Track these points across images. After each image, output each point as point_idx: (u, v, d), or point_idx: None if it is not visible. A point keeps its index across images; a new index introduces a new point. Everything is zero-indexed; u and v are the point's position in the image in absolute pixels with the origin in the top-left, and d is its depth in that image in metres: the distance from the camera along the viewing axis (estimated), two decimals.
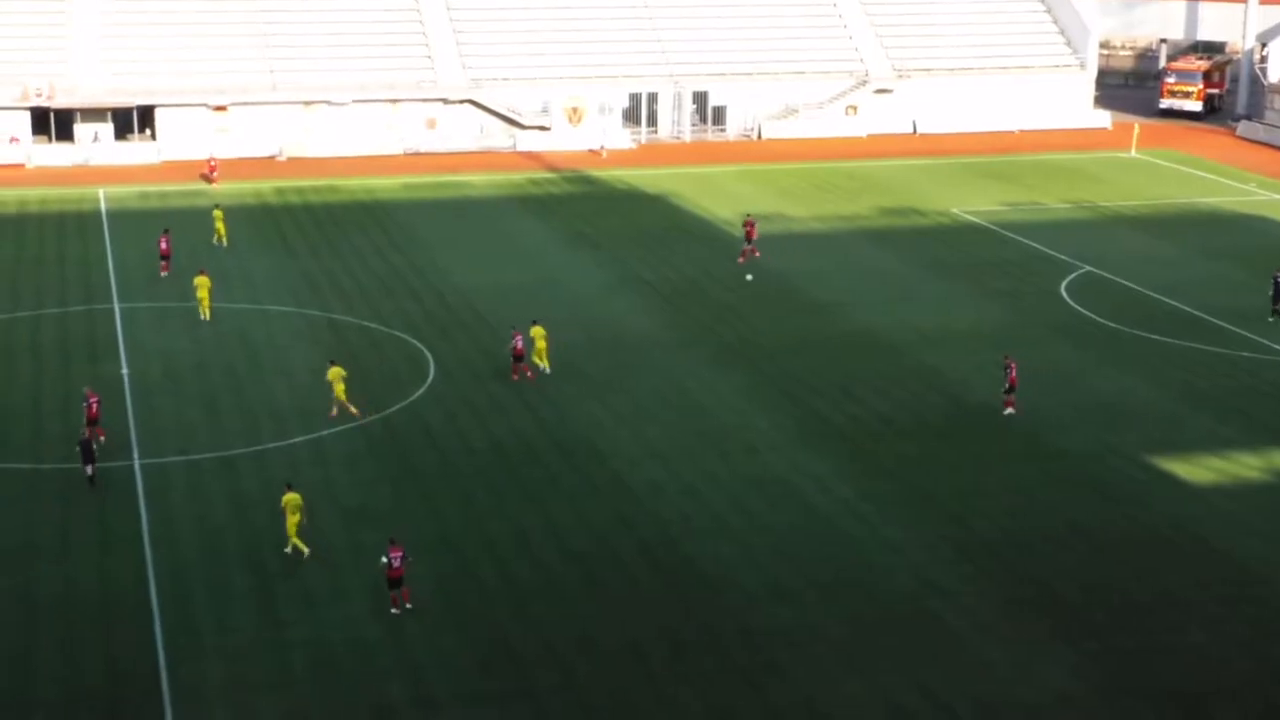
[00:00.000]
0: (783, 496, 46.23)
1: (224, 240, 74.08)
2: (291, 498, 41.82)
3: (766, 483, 47.18)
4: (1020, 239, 77.60)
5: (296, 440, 49.76)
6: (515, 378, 55.35)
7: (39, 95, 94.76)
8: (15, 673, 35.71)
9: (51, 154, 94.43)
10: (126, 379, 55.16)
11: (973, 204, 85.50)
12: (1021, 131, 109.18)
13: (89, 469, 45.71)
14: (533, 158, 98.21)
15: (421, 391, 54.48)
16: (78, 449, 46.05)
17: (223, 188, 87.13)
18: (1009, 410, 52.80)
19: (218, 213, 75.14)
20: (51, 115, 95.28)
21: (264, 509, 44.24)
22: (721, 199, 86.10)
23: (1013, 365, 53.07)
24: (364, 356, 57.96)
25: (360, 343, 59.67)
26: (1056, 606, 39.75)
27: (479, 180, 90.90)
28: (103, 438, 48.41)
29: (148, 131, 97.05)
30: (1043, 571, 41.62)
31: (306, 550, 41.60)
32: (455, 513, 44.72)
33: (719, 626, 38.52)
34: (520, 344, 55.16)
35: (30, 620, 38.07)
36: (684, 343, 60.67)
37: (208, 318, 61.91)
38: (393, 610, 38.74)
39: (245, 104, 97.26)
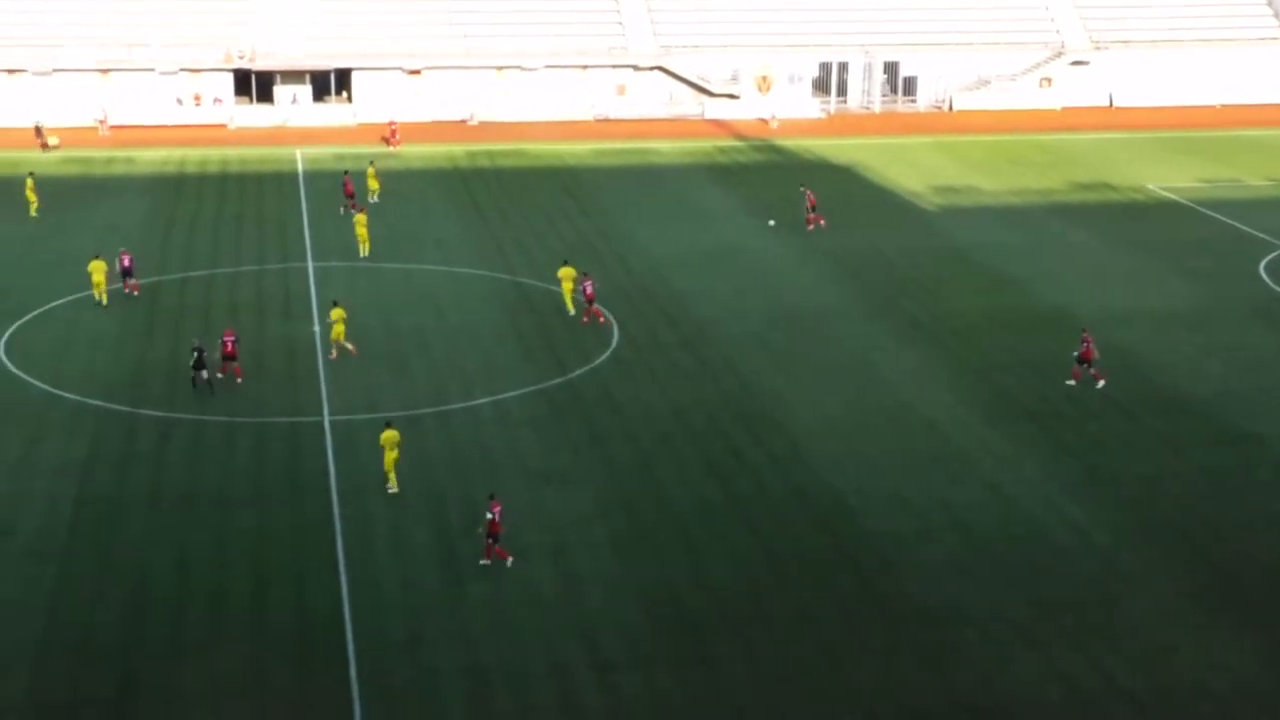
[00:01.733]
0: (965, 473, 45.68)
1: (376, 196, 76.03)
2: (390, 434, 43.19)
3: (948, 459, 46.65)
4: (1218, 216, 75.55)
5: (481, 401, 50.44)
6: (586, 320, 57.38)
7: (241, 58, 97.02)
8: (209, 615, 36.83)
9: (252, 115, 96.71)
10: (318, 337, 56.37)
11: (1169, 180, 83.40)
12: (1222, 106, 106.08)
13: (203, 373, 49.69)
14: (721, 126, 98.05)
15: (605, 357, 54.84)
16: (194, 353, 49.92)
17: (413, 150, 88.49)
18: (1072, 382, 51.87)
19: (371, 170, 77.60)
20: (253, 78, 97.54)
21: (448, 467, 44.97)
22: (910, 171, 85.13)
23: (1089, 339, 52.58)
24: (550, 321, 58.50)
25: (546, 307, 60.21)
26: (1245, 594, 38.75)
27: (666, 147, 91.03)
28: (240, 379, 50.53)
29: (344, 94, 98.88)
30: (1231, 558, 40.60)
31: (396, 487, 43.06)
32: (635, 478, 44.97)
33: (895, 602, 38.25)
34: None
35: (224, 565, 39.22)
36: (868, 315, 60.19)
37: (367, 254, 65.94)
38: (482, 561, 39.49)
39: (438, 68, 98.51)
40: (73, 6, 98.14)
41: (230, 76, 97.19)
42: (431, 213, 74.75)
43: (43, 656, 34.90)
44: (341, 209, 73.11)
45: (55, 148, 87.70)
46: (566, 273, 59.58)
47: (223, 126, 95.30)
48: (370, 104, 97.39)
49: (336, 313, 54.31)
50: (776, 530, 41.87)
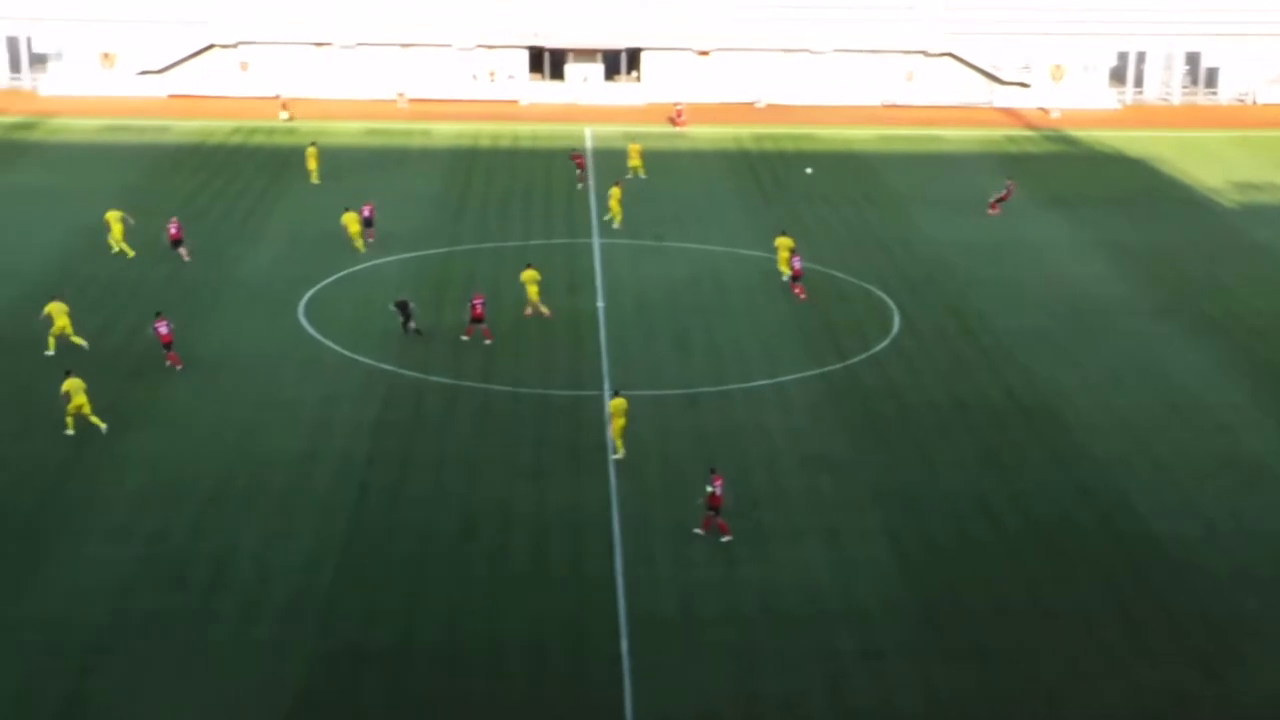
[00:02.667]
0: (1257, 479, 43.93)
1: (641, 173, 76.84)
2: (618, 402, 44.10)
3: (1240, 464, 44.91)
4: None
5: (760, 383, 50.43)
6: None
7: (535, 35, 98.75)
8: (489, 579, 37.66)
9: (544, 92, 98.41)
10: (601, 312, 57.05)
11: None
12: None
13: (411, 324, 52.47)
14: (1011, 115, 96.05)
15: (885, 344, 54.28)
16: (394, 309, 52.91)
17: (699, 131, 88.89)
18: None
19: (634, 147, 78.53)
20: (546, 55, 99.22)
21: (725, 448, 45.10)
22: (1209, 166, 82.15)
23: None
24: (831, 306, 58.16)
25: (827, 291, 59.86)
26: None
27: (954, 135, 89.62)
28: (489, 340, 52.31)
29: (634, 73, 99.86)
30: None
31: (622, 452, 43.71)
32: (913, 467, 44.42)
33: (1179, 607, 37.01)
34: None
35: (505, 532, 40.04)
36: (1158, 311, 58.32)
37: (618, 225, 67.34)
38: (696, 530, 39.75)
39: (728, 49, 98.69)
40: None
41: (525, 54, 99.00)
42: (716, 194, 75.02)
43: (331, 607, 36.16)
44: (579, 185, 74.58)
45: (288, 120, 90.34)
46: (783, 242, 60.79)
47: (515, 103, 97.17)
48: (659, 83, 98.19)
49: (529, 274, 55.55)
50: (1057, 527, 40.89)
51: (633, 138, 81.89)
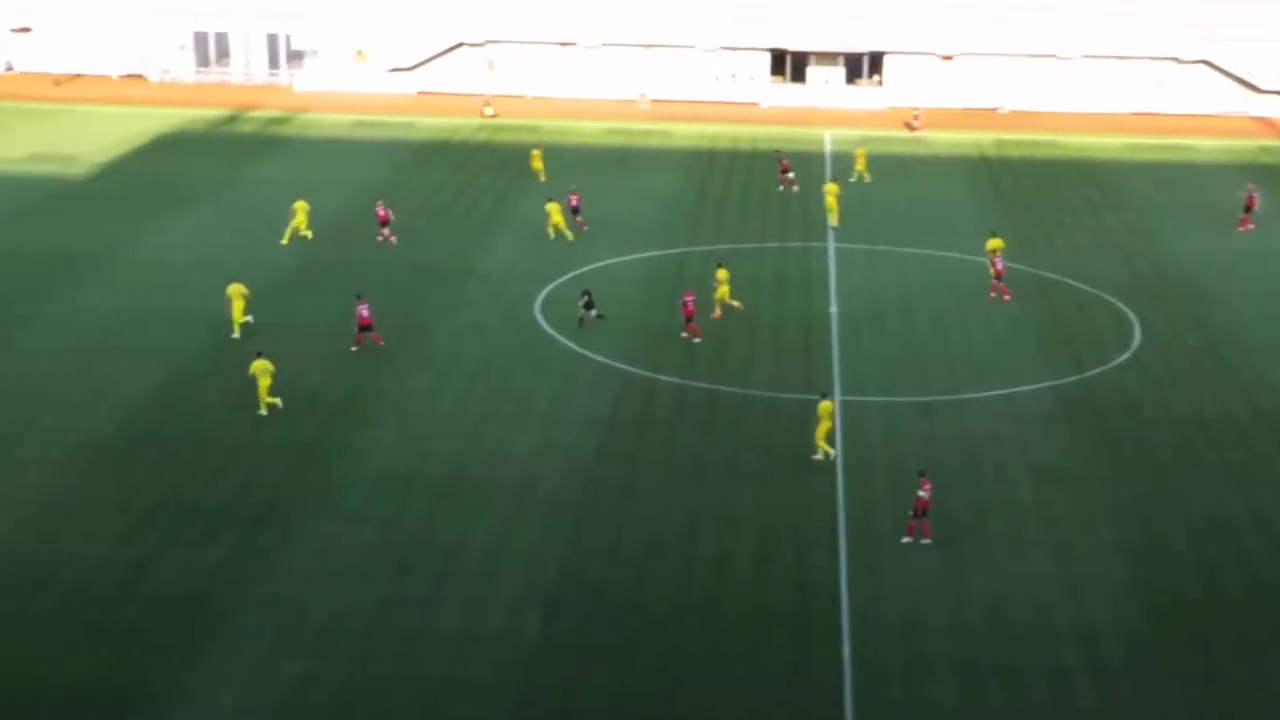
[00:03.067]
0: None
1: (866, 177, 76.62)
2: (826, 405, 44.14)
3: None
4: None
5: (994, 393, 49.55)
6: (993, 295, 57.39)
7: (778, 38, 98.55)
8: (712, 579, 37.69)
9: (784, 94, 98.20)
10: (834, 317, 56.69)
11: None
12: None
13: (591, 313, 53.67)
14: (1268, 124, 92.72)
15: (1124, 357, 52.86)
16: (584, 296, 54.12)
17: (939, 137, 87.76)
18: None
19: (860, 151, 78.56)
20: (788, 57, 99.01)
21: (957, 458, 44.42)
22: None
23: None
24: (1068, 316, 56.88)
25: (1065, 302, 58.55)
26: None
27: (1206, 145, 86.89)
28: (698, 339, 52.93)
29: (875, 77, 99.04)
30: None
31: (827, 454, 43.70)
32: (1150, 483, 43.16)
33: None
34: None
35: (729, 534, 40.04)
36: None
37: (835, 224, 67.54)
38: (905, 539, 39.22)
39: (972, 54, 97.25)
40: None
41: (766, 56, 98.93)
42: (954, 200, 73.97)
43: (555, 602, 36.57)
44: (780, 187, 74.13)
45: (492, 117, 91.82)
46: (996, 244, 60.98)
47: (755, 105, 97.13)
48: (901, 88, 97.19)
49: (722, 273, 55.85)
50: None
51: (862, 141, 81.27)
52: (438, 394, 48.87)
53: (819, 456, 44.14)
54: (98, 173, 76.93)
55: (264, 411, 46.73)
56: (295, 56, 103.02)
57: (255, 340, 51.74)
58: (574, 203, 67.05)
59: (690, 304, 53.66)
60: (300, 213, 65.70)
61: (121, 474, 42.64)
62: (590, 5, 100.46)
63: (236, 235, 65.82)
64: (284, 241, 64.78)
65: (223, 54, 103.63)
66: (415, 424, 46.45)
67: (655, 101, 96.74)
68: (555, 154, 79.74)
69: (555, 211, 65.85)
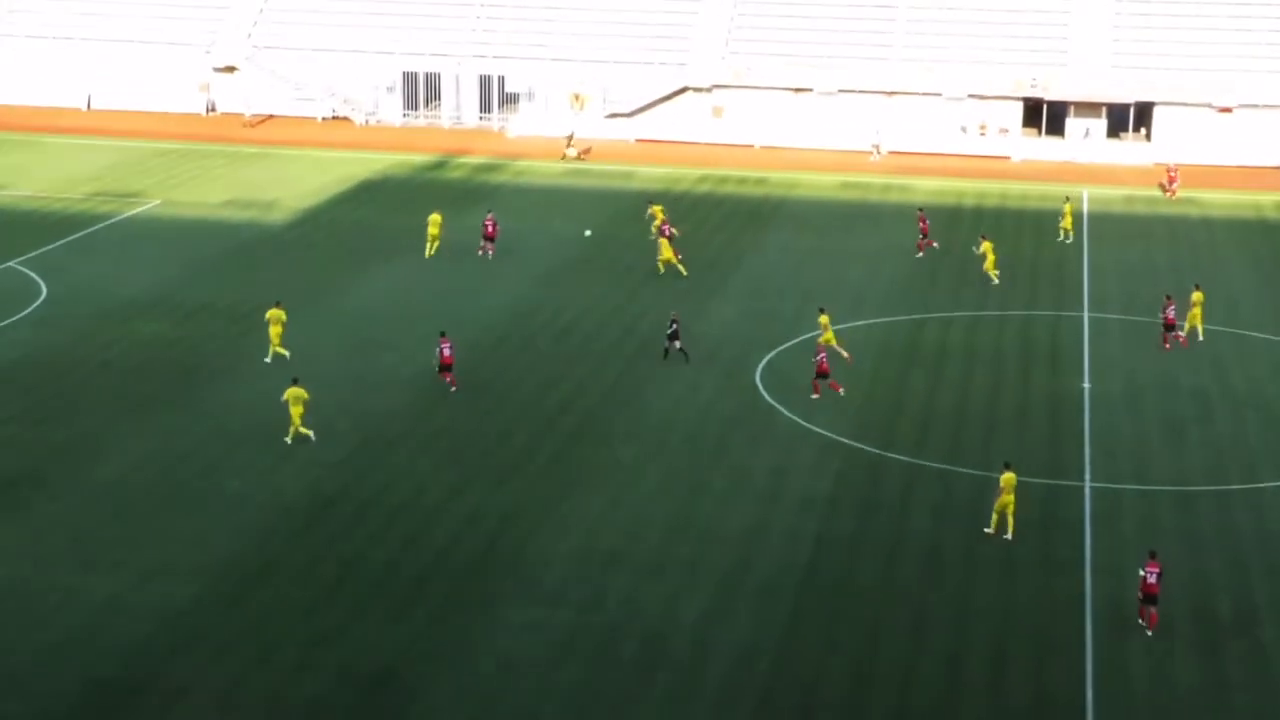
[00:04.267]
0: None
1: (1070, 235, 76.14)
2: (1009, 477, 43.93)
3: None
4: None
5: (1267, 485, 48.15)
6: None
7: (1033, 86, 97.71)
8: (941, 680, 37.20)
9: (1038, 148, 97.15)
10: (1086, 394, 55.74)
11: None
12: None
13: (676, 344, 57.28)
14: None
15: None
16: (671, 324, 57.63)
17: (1212, 197, 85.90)
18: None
19: (1067, 207, 77.45)
20: (1043, 108, 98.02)
21: (1220, 554, 43.24)
22: None
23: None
24: None
25: None
26: None
27: None
28: (840, 391, 54.00)
29: (1142, 131, 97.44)
30: None
31: (1004, 532, 43.65)
32: None
33: None
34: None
35: (963, 630, 39.45)
36: None
37: (995, 280, 68.36)
38: (1141, 621, 38.85)
39: (1253, 106, 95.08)
40: (865, 26, 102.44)
41: (1019, 106, 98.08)
42: (1226, 267, 72.28)
43: (767, 699, 36.36)
44: (919, 254, 73.48)
45: (573, 159, 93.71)
46: (1196, 297, 61.11)
47: (1005, 159, 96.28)
48: (1170, 143, 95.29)
49: (824, 319, 57.84)
50: None
51: (1068, 197, 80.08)
52: (647, 465, 49.23)
53: (989, 530, 44.17)
54: (297, 219, 79.42)
55: (289, 440, 49.61)
56: (509, 100, 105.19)
57: (289, 368, 53.78)
58: (666, 230, 71.33)
59: (823, 360, 54.49)
60: (433, 225, 71.16)
61: (308, 540, 43.71)
62: (827, 50, 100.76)
63: (441, 289, 67.30)
64: (428, 255, 70.07)
65: (432, 96, 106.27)
66: (622, 496, 46.81)
67: (891, 153, 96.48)
68: (783, 208, 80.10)
69: (665, 248, 68.76)
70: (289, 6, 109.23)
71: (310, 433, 49.98)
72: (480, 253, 71.77)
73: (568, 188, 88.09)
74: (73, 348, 59.17)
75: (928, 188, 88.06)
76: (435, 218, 72.59)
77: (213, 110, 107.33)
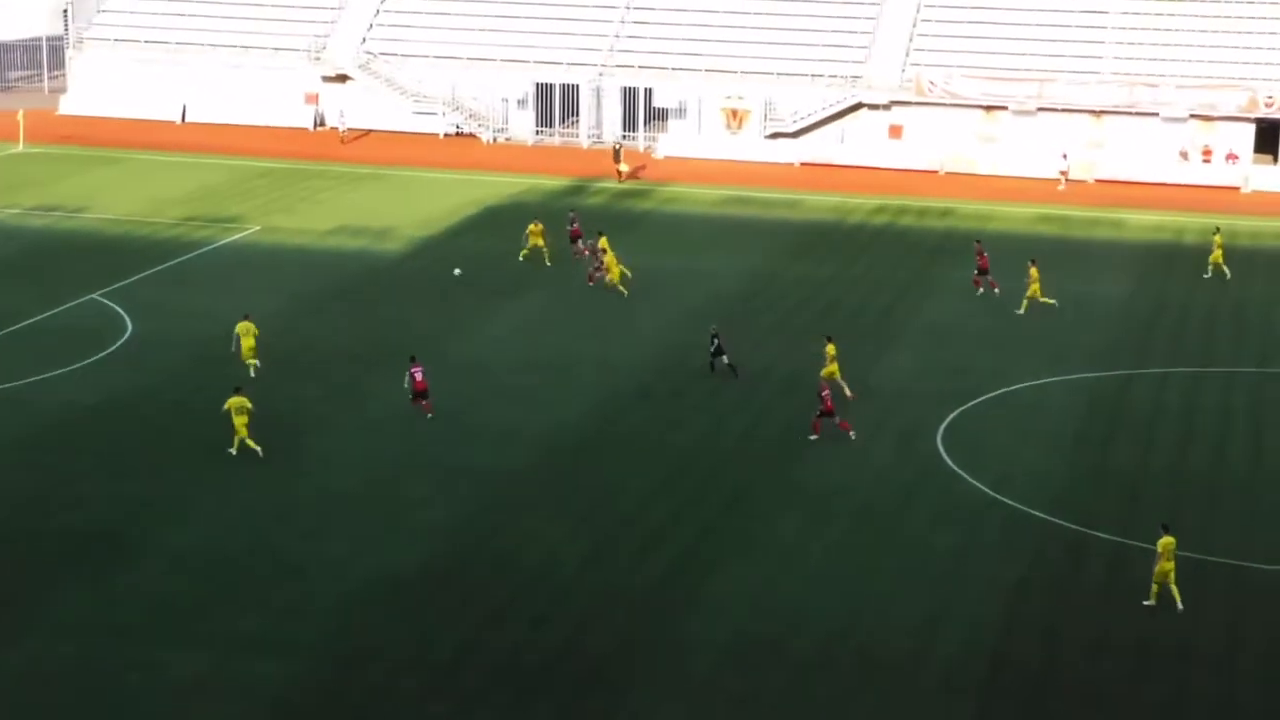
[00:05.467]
0: None
1: (1225, 272, 75.92)
2: (1167, 542, 43.96)
3: None
4: None
5: None
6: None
7: (1269, 105, 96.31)
8: None
9: (1273, 178, 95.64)
10: None
11: None
12: None
13: (723, 359, 61.13)
14: None
15: None
16: (712, 340, 60.72)
17: None
18: None
19: (1217, 239, 77.60)
20: None
21: None
22: None
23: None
24: None
25: None
26: None
27: None
28: (851, 428, 55.36)
29: None
30: None
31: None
32: None
33: None
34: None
35: None
36: None
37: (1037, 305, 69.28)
38: None
39: None
40: (1070, 35, 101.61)
41: (1251, 128, 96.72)
42: None
43: None
44: (979, 290, 73.60)
45: (627, 175, 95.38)
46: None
47: (1234, 190, 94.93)
48: None
49: (830, 348, 59.19)
50: None
51: (1219, 228, 78.85)
52: (810, 540, 48.87)
53: (1150, 602, 43.85)
54: (414, 250, 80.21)
55: (234, 451, 53.35)
56: (657, 116, 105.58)
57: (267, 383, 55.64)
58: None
59: (829, 397, 55.84)
60: (535, 235, 75.19)
61: (419, 618, 43.78)
62: (1024, 62, 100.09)
63: (577, 332, 67.47)
64: (521, 258, 74.06)
65: (569, 112, 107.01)
66: (782, 575, 46.45)
67: (1098, 181, 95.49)
68: (970, 244, 79.43)
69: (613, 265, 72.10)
70: (408, 8, 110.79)
71: (259, 449, 53.21)
72: (577, 257, 76.52)
73: (723, 218, 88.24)
74: (159, 392, 60.12)
75: (1141, 222, 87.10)
76: (536, 227, 76.76)
77: (321, 125, 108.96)
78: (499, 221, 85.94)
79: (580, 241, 78.19)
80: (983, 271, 73.43)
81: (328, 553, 47.41)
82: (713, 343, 61.66)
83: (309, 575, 46.01)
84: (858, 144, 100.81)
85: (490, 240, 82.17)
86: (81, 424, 56.97)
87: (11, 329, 66.72)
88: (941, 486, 52.78)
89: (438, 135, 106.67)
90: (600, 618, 43.98)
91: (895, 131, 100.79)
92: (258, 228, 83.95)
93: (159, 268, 76.28)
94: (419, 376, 57.35)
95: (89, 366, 62.52)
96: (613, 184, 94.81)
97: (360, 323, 68.50)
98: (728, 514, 50.41)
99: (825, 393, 56.19)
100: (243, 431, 53.62)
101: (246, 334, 61.87)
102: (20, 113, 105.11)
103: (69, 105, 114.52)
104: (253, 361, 61.47)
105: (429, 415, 57.05)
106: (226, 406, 53.83)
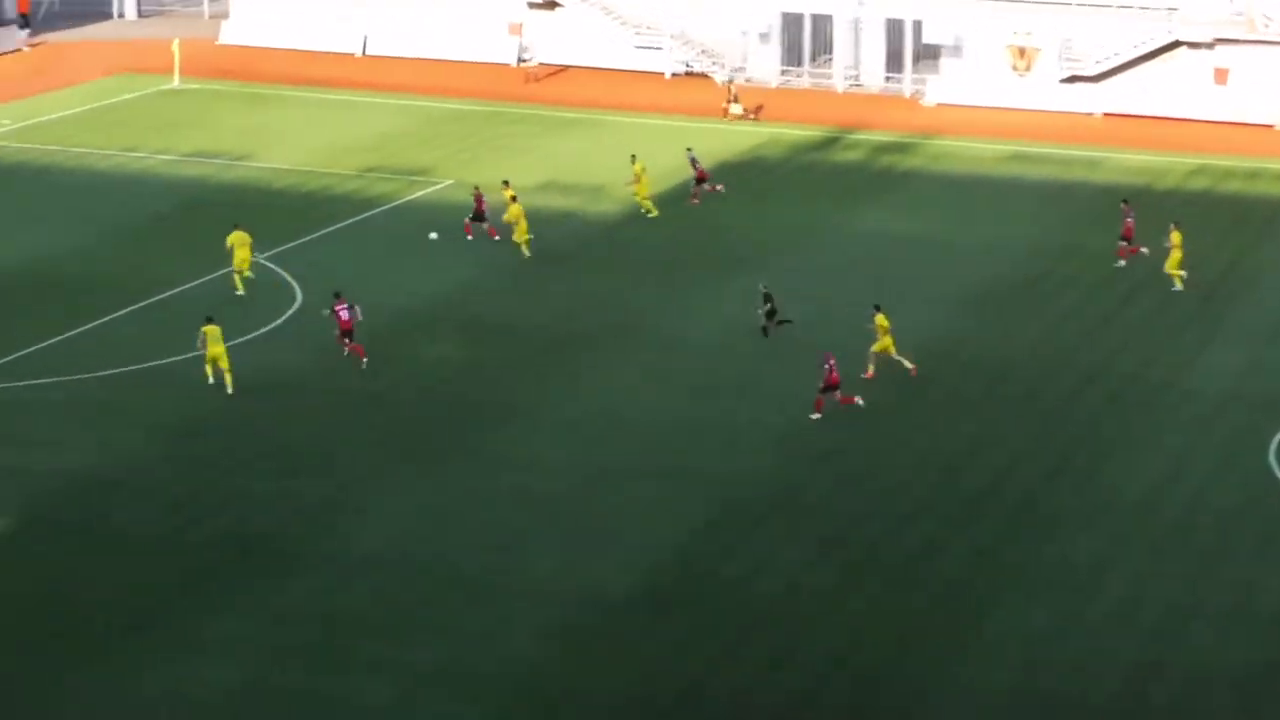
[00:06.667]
0: None
1: None
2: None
3: None
4: None
5: None
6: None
7: None
8: None
9: None
10: None
11: None
12: None
13: (775, 321, 62.96)
14: None
15: None
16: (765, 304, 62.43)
17: None
18: None
19: None
20: None
21: None
22: None
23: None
24: None
25: None
26: None
27: None
28: (858, 398, 57.41)
29: None
30: None
31: None
32: None
33: None
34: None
35: None
36: None
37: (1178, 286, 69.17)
38: None
39: None
40: None
41: None
42: None
43: None
44: (1120, 260, 72.90)
45: (739, 116, 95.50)
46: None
47: None
48: None
49: (881, 319, 60.41)
50: None
51: None
52: (1108, 568, 48.33)
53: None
54: (632, 213, 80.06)
55: (210, 380, 58.37)
56: (927, 55, 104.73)
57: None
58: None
59: (833, 368, 57.02)
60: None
61: (634, 651, 43.88)
62: None
63: (821, 312, 67.04)
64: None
65: (821, 48, 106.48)
66: (1072, 614, 45.95)
67: None
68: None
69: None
70: None
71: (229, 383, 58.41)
72: (702, 193, 79.88)
73: (1005, 179, 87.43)
74: (331, 374, 60.88)
75: None
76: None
77: (526, 60, 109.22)
78: (734, 179, 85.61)
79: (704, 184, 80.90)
80: (1126, 239, 73.20)
81: (526, 570, 47.69)
82: (765, 304, 63.40)
83: (504, 596, 46.29)
84: (1173, 91, 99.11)
85: (722, 203, 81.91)
86: (241, 410, 57.85)
87: (161, 296, 67.99)
88: (1274, 512, 51.88)
89: (662, 75, 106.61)
90: (848, 661, 43.80)
91: (1221, 76, 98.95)
92: (449, 182, 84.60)
93: (333, 227, 77.25)
94: (344, 315, 60.72)
95: (250, 343, 63.41)
96: (868, 136, 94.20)
97: (569, 297, 68.76)
98: (1006, 537, 49.92)
99: (830, 363, 56.87)
100: (224, 363, 58.36)
101: (241, 245, 67.42)
102: (175, 42, 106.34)
103: (231, 34, 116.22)
104: (247, 275, 67.66)
105: (362, 360, 60.54)
106: (203, 334, 58.51)
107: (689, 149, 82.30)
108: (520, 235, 72.79)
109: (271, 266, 71.31)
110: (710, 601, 46.25)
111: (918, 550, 49.08)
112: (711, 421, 57.42)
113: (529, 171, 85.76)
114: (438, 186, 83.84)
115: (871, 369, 60.08)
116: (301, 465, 53.74)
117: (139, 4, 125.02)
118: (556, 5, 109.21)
